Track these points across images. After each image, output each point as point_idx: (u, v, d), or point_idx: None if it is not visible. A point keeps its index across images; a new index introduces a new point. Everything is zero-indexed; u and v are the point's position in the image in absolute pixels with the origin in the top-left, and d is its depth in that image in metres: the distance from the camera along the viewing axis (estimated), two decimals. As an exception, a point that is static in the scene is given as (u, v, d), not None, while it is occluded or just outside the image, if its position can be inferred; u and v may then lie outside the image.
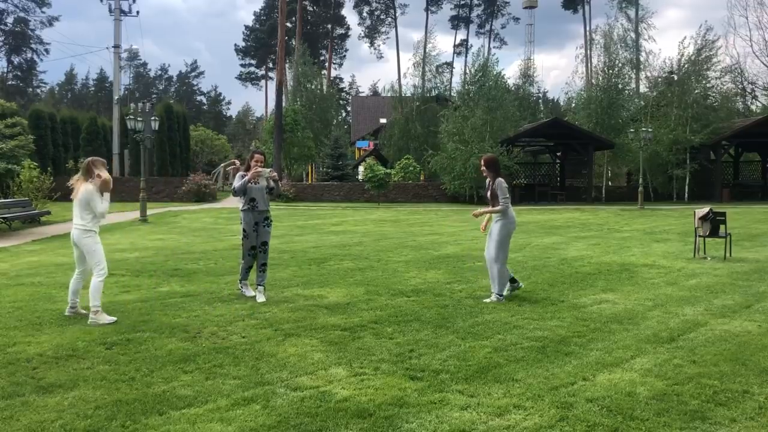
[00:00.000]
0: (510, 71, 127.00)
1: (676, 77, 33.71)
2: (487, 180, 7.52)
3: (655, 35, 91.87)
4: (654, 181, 33.66)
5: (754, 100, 45.97)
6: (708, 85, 34.39)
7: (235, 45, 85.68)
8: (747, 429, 3.74)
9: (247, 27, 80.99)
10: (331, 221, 19.75)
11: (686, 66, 33.64)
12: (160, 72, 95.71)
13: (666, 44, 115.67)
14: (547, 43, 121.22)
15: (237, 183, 7.31)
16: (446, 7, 73.17)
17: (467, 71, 35.66)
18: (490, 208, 7.38)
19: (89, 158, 6.53)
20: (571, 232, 16.18)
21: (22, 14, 68.49)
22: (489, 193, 7.43)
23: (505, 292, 7.37)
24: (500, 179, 7.35)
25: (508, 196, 7.32)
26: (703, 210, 11.39)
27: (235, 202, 30.91)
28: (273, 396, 4.21)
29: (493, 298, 7.26)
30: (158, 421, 3.79)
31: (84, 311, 6.44)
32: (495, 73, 33.10)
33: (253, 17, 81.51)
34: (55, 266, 9.97)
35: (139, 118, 21.13)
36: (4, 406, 4.02)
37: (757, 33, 68.42)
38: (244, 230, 7.42)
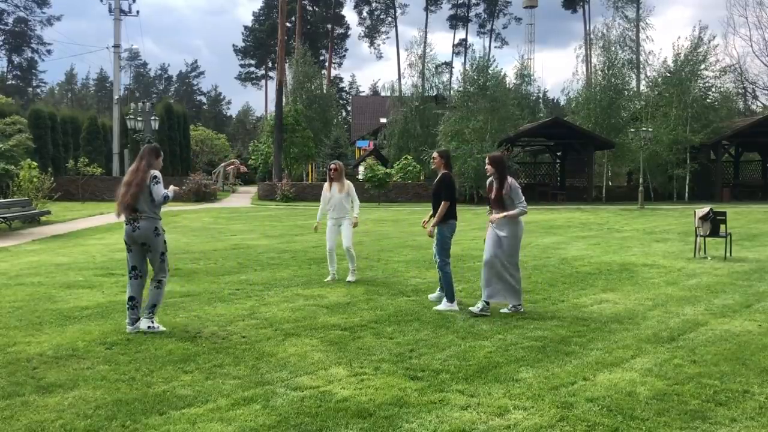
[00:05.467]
0: (510, 71, 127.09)
1: (672, 76, 33.66)
2: (490, 180, 6.83)
3: (659, 34, 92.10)
4: (654, 181, 33.64)
5: (754, 99, 46.03)
6: (707, 84, 34.39)
7: (234, 45, 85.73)
8: (747, 429, 3.74)
9: (246, 27, 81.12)
10: (331, 221, 19.71)
11: (682, 65, 33.60)
12: (160, 72, 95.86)
13: (670, 43, 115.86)
14: (548, 41, 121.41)
15: (171, 192, 5.87)
16: (445, 7, 73.30)
17: (466, 71, 35.55)
18: (507, 213, 6.55)
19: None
20: (572, 231, 16.18)
21: (22, 14, 68.55)
22: (494, 195, 6.65)
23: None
24: (511, 180, 6.68)
25: (523, 198, 6.66)
26: (703, 210, 11.38)
27: (237, 203, 30.95)
28: (273, 396, 4.21)
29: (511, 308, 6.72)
30: (158, 421, 3.79)
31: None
32: (496, 73, 33.06)
33: (252, 17, 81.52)
34: (55, 266, 9.97)
35: (139, 118, 21.18)
36: (4, 406, 4.02)
37: (756, 33, 68.43)
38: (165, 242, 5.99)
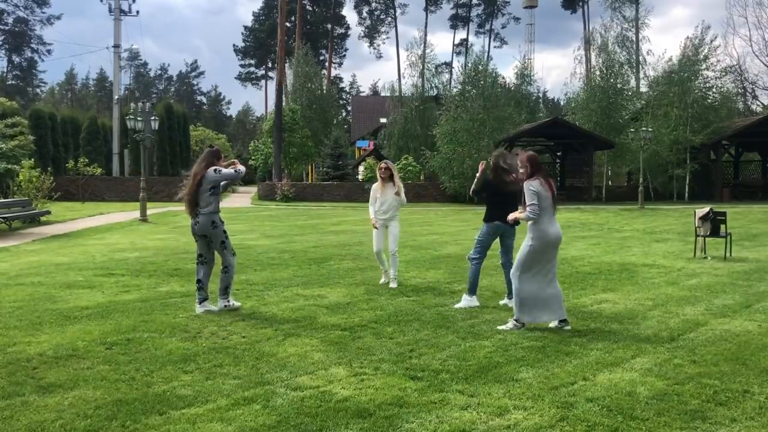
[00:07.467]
0: (510, 71, 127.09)
1: (674, 76, 33.69)
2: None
3: (660, 34, 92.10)
4: (654, 181, 33.65)
5: (754, 99, 46.05)
6: (708, 84, 34.40)
7: (234, 45, 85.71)
8: (747, 429, 3.74)
9: (246, 27, 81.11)
10: (331, 221, 19.73)
11: (685, 65, 33.60)
12: (160, 72, 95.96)
13: (671, 42, 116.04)
14: (548, 41, 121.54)
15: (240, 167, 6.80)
16: (446, 7, 73.26)
17: (464, 71, 35.52)
18: (516, 215, 6.23)
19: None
20: (572, 231, 16.18)
21: (21, 14, 68.61)
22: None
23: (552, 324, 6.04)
24: (528, 182, 5.98)
25: (535, 202, 5.91)
26: (703, 210, 11.38)
27: (237, 203, 30.93)
28: (273, 396, 4.21)
29: (509, 325, 6.01)
30: (158, 421, 3.79)
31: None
32: (491, 73, 33.07)
33: (252, 17, 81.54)
34: (55, 266, 9.97)
35: (139, 118, 21.13)
36: (4, 406, 4.02)
37: (756, 33, 68.47)
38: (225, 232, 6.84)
